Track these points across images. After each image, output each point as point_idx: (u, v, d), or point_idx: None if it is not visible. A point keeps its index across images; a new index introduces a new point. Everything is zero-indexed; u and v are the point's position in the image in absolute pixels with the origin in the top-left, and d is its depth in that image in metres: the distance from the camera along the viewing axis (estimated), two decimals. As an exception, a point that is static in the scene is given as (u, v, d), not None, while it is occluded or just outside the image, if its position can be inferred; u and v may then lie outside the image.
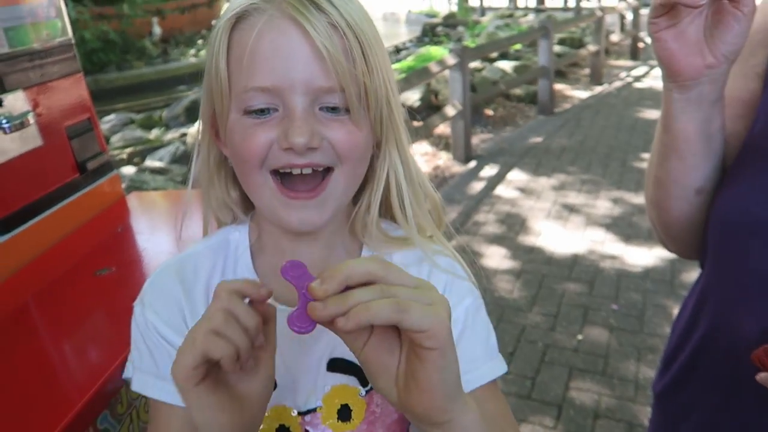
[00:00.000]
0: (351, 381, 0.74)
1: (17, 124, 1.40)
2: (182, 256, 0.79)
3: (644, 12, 10.24)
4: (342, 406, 0.74)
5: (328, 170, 0.67)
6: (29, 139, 1.48)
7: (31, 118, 1.45)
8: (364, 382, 0.74)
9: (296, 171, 0.66)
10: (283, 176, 0.67)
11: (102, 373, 1.06)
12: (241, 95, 0.65)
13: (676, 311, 1.10)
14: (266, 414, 0.71)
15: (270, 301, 0.68)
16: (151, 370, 0.73)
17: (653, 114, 7.09)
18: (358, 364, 0.67)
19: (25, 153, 1.46)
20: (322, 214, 0.68)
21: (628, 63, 10.49)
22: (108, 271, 1.44)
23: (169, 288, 0.75)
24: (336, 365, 0.73)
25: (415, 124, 6.64)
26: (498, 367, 0.75)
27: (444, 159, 6.00)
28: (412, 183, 0.75)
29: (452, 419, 0.54)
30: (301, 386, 0.73)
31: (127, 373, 0.76)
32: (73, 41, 1.70)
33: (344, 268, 0.51)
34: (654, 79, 8.96)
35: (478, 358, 0.73)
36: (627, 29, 10.95)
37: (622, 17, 11.17)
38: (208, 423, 0.55)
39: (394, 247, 0.77)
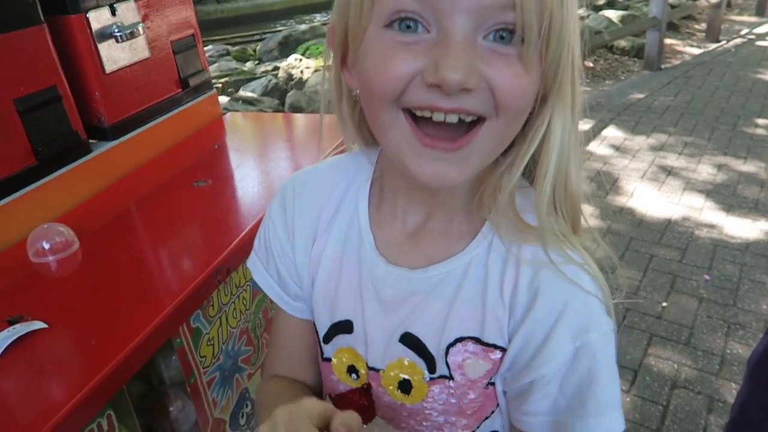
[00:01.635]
0: (419, 362, 0.68)
1: (128, 33, 1.45)
2: (315, 169, 0.78)
3: (779, -38, 9.18)
4: (403, 379, 0.69)
5: (476, 121, 0.54)
6: (138, 50, 1.53)
7: (140, 29, 1.49)
8: (431, 369, 0.67)
9: (438, 117, 0.53)
10: (418, 119, 0.54)
11: (197, 275, 1.11)
12: (388, 2, 0.52)
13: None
14: (341, 348, 0.73)
15: (370, 247, 0.69)
16: (262, 258, 0.79)
17: (775, 77, 6.45)
18: (429, 350, 0.66)
19: (133, 63, 1.52)
20: (462, 171, 0.55)
21: (752, 19, 9.50)
22: (205, 183, 1.49)
23: (311, 194, 0.75)
24: (408, 340, 0.68)
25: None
26: (614, 425, 0.60)
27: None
28: (570, 160, 0.59)
29: None
30: (372, 343, 0.70)
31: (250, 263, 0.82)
32: (184, -45, 1.72)
33: None
34: (780, 39, 8.10)
35: (587, 408, 0.59)
36: (756, -19, 9.87)
37: (753, -33, 10.06)
38: None
39: (523, 238, 0.62)
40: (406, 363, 0.68)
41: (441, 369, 0.66)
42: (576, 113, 0.59)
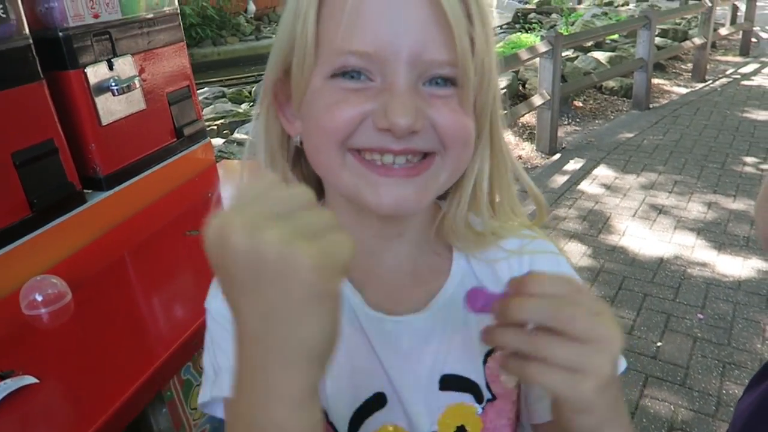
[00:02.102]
0: (467, 399, 0.65)
1: (125, 87, 1.49)
2: None
3: (760, 4, 9.47)
4: (458, 427, 0.65)
5: (426, 156, 0.57)
6: (134, 102, 1.57)
7: (137, 83, 1.53)
8: (479, 398, 0.65)
9: (387, 159, 0.56)
10: (366, 162, 0.57)
11: (189, 326, 1.12)
12: (332, 58, 0.54)
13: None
14: (377, 430, 0.65)
15: (364, 307, 0.64)
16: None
17: (762, 115, 6.57)
18: (472, 379, 0.63)
19: (129, 115, 1.55)
20: (422, 196, 0.57)
21: (737, 59, 9.75)
22: (198, 232, 1.51)
23: None
24: (449, 383, 0.65)
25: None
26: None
27: (527, 150, 5.84)
28: (502, 177, 0.66)
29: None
30: (411, 405, 0.64)
31: (203, 397, 0.64)
32: (179, 11, 1.78)
33: (538, 286, 0.48)
34: (765, 78, 8.29)
35: None
36: (738, 22, 10.16)
37: (735, 8, 10.36)
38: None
39: (486, 244, 0.67)
40: (454, 407, 0.65)
41: (485, 394, 0.65)
42: (503, 142, 0.66)
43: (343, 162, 0.56)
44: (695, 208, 4.43)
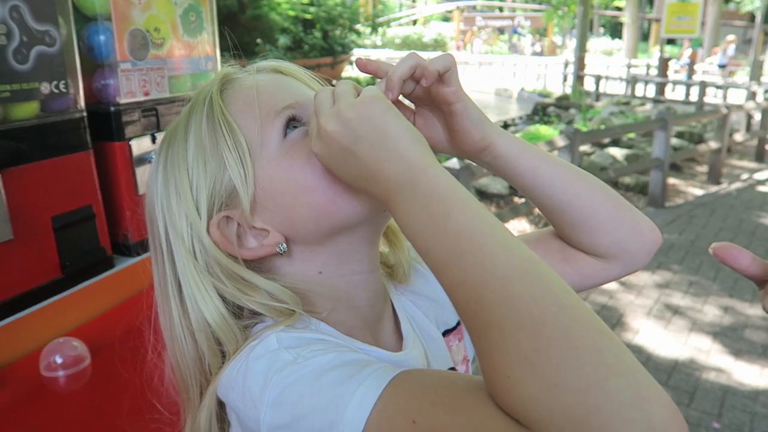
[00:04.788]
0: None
1: (164, 160, 1.57)
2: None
3: (775, 114, 9.72)
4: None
5: None
6: (171, 174, 1.65)
7: (176, 156, 1.62)
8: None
9: None
10: None
11: (202, 401, 1.12)
12: (272, 122, 0.62)
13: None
14: None
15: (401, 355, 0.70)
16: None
17: (777, 221, 6.59)
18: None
19: (165, 186, 1.63)
20: None
21: (752, 164, 9.89)
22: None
23: None
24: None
25: (516, 200, 6.61)
26: None
27: (542, 239, 5.87)
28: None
29: (491, 142, 0.67)
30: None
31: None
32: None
33: (397, 72, 0.60)
34: (780, 185, 8.37)
35: None
36: (753, 129, 10.39)
37: (750, 116, 10.63)
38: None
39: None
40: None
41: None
42: None
43: (343, 185, 0.60)
44: (711, 311, 4.37)
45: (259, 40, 13.34)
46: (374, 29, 21.47)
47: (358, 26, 19.15)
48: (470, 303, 0.46)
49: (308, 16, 16.05)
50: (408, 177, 0.53)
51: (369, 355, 0.58)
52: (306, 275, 0.65)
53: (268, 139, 0.62)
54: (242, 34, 13.21)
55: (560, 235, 0.77)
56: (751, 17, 29.15)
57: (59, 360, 1.17)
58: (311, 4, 16.31)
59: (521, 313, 0.43)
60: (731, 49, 19.21)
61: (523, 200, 5.53)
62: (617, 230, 0.72)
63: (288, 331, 0.59)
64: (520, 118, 14.15)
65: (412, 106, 0.69)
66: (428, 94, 0.65)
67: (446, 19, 42.12)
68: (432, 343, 0.75)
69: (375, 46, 25.77)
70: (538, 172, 0.69)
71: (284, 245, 0.63)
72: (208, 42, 1.77)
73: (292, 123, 0.63)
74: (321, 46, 16.57)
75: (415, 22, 40.88)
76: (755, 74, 14.49)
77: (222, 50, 1.82)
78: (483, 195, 6.68)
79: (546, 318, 0.42)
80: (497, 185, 6.66)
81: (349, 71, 19.22)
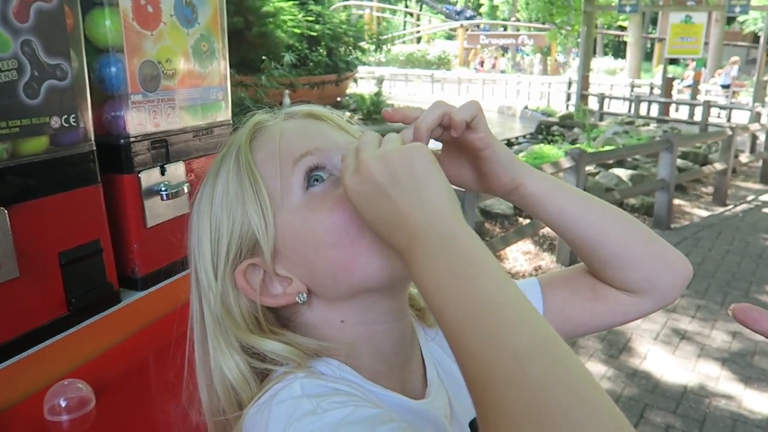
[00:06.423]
0: None
1: (173, 192, 1.55)
2: None
3: (779, 135, 9.71)
4: None
5: None
6: (179, 205, 1.62)
7: (185, 188, 1.60)
8: None
9: None
10: None
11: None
12: (291, 170, 0.62)
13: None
14: None
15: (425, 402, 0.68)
16: None
17: (784, 244, 6.55)
18: None
19: (173, 218, 1.60)
20: None
21: (757, 186, 9.87)
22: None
23: None
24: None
25: (521, 221, 6.58)
26: None
27: (546, 260, 5.84)
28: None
29: (521, 183, 0.67)
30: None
31: None
32: (231, 121, 1.88)
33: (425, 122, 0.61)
34: (786, 206, 8.33)
35: None
36: (759, 151, 10.38)
37: (754, 138, 10.62)
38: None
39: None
40: None
41: None
42: None
43: (369, 244, 0.60)
44: (719, 337, 4.32)
45: (264, 57, 13.41)
46: (378, 47, 21.65)
47: (362, 44, 19.31)
48: (479, 377, 0.44)
49: (313, 34, 16.18)
50: (437, 230, 0.52)
51: (387, 410, 0.57)
52: (327, 323, 0.66)
53: (288, 189, 0.63)
54: (248, 51, 13.30)
55: (591, 271, 0.76)
56: (755, 38, 29.32)
57: (63, 403, 1.14)
58: (316, 22, 16.45)
59: (534, 399, 0.40)
60: (734, 70, 19.30)
61: (528, 221, 5.50)
62: (648, 266, 0.73)
63: (311, 377, 0.60)
64: (524, 136, 14.17)
65: (438, 145, 0.69)
66: (456, 139, 0.65)
67: (450, 37, 42.43)
68: (457, 390, 0.73)
69: (379, 63, 25.96)
70: (567, 210, 0.70)
71: (304, 295, 0.64)
72: (219, 71, 1.76)
73: (314, 173, 0.63)
74: (326, 63, 16.68)
75: (419, 40, 41.22)
76: (759, 95, 14.50)
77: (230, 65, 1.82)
78: (487, 215, 6.66)
79: (558, 407, 0.39)
80: (501, 205, 6.64)
81: (354, 88, 19.29)
